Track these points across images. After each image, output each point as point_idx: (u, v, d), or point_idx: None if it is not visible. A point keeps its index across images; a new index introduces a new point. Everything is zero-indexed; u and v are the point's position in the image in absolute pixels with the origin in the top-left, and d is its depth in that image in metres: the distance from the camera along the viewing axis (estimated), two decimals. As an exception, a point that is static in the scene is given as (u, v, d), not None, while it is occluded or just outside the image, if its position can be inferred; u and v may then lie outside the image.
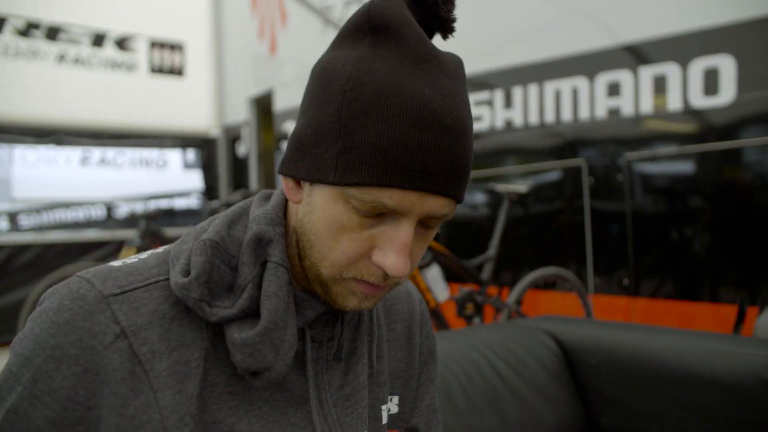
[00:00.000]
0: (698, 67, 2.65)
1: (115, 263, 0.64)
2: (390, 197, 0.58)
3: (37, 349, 0.57)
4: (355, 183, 0.58)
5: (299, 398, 0.67)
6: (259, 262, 0.63)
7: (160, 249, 0.68)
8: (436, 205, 0.60)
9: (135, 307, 0.59)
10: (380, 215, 0.60)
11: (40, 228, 5.36)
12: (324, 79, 0.62)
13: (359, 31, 0.62)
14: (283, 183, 0.66)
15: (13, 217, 5.26)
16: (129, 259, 0.66)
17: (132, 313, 0.59)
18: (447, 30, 0.69)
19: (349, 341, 0.73)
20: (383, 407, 0.77)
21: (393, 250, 0.60)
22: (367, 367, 0.74)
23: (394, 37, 0.60)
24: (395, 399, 0.80)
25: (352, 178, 0.58)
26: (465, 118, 0.61)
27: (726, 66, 2.56)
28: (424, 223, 0.63)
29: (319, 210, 0.62)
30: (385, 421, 0.77)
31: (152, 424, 0.57)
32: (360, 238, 0.61)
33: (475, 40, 3.66)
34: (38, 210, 5.39)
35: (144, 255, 0.67)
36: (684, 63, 2.70)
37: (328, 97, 0.60)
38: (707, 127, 2.67)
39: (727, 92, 2.56)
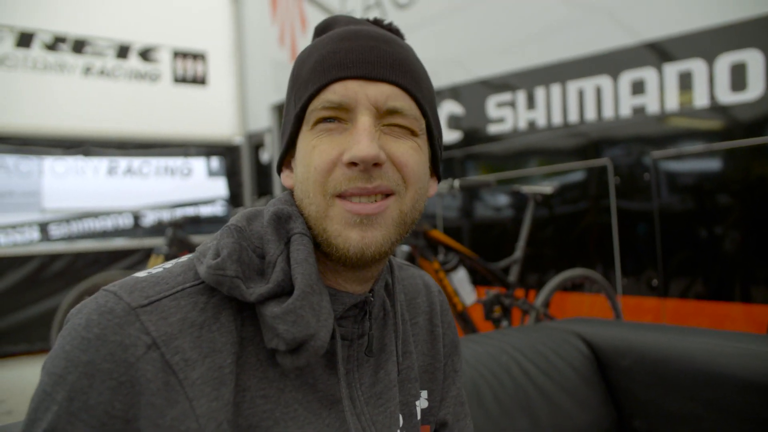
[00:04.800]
0: (725, 62, 2.61)
1: (140, 274, 0.64)
2: (333, 92, 0.64)
3: (69, 366, 0.57)
4: (308, 97, 0.66)
5: (331, 398, 0.67)
6: (283, 239, 0.65)
7: (184, 258, 0.68)
8: (382, 92, 0.65)
9: (164, 316, 0.59)
10: (339, 122, 0.65)
11: (69, 237, 5.45)
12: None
13: (313, 40, 0.74)
14: (282, 180, 0.73)
15: (43, 227, 5.37)
16: (154, 269, 0.66)
17: (161, 323, 0.59)
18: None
19: (377, 338, 0.74)
20: (417, 403, 0.77)
21: (355, 139, 0.63)
22: (396, 364, 0.74)
23: (331, 28, 0.72)
24: (424, 393, 0.81)
25: (304, 96, 0.66)
26: (393, 37, 0.70)
27: (754, 60, 2.52)
28: (391, 125, 0.66)
29: (299, 158, 0.68)
30: (419, 417, 0.77)
31: None
32: (328, 148, 0.64)
33: (495, 40, 3.65)
34: (68, 220, 5.49)
35: (168, 264, 0.67)
36: (710, 59, 2.66)
37: (288, 85, 0.73)
38: (735, 124, 2.62)
39: (756, 87, 2.52)
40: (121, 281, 0.63)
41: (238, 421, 0.60)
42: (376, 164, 0.63)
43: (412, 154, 0.66)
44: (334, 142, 0.64)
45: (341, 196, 0.64)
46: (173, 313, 0.60)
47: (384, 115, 0.65)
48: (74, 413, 0.56)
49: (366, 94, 0.64)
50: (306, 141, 0.66)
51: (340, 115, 0.64)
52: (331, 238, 0.64)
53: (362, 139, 0.62)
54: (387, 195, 0.65)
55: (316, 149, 0.64)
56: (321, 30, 0.74)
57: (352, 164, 0.63)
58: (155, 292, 0.61)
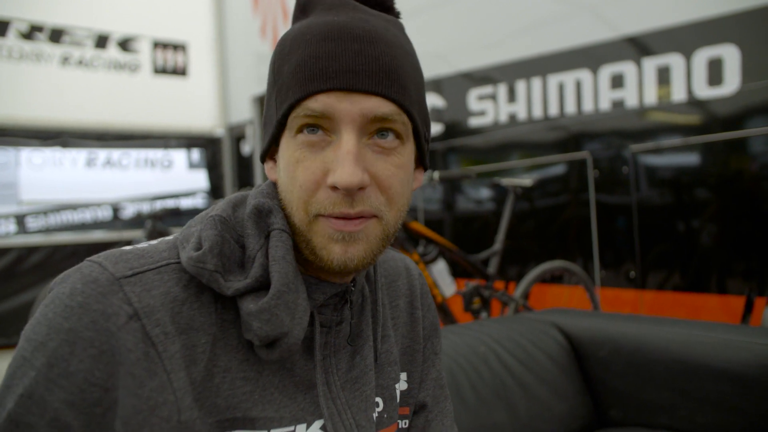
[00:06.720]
0: (702, 57, 2.64)
1: (126, 247, 0.65)
2: (316, 101, 0.62)
3: (50, 333, 0.57)
4: (289, 106, 0.63)
5: (307, 383, 0.68)
6: (263, 233, 0.65)
7: (170, 237, 0.69)
8: (368, 104, 0.62)
9: (147, 288, 0.59)
10: (323, 131, 0.63)
11: (47, 230, 5.38)
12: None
13: (293, 18, 0.72)
14: (266, 171, 0.72)
15: (20, 219, 5.29)
16: (139, 244, 0.66)
17: (144, 295, 0.59)
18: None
19: (354, 324, 0.74)
20: (396, 386, 0.78)
21: (339, 161, 0.62)
22: (372, 349, 0.75)
23: (314, 9, 0.69)
24: (403, 375, 0.81)
25: (285, 103, 0.64)
26: (380, 30, 0.66)
27: (730, 56, 2.55)
28: (378, 133, 0.64)
29: (282, 164, 0.66)
30: (398, 400, 0.78)
31: (167, 405, 0.58)
32: (312, 166, 0.63)
33: (477, 33, 3.66)
34: (45, 212, 5.41)
35: (154, 241, 0.67)
36: (687, 54, 2.69)
37: (268, 75, 0.69)
38: (712, 118, 2.66)
39: (732, 82, 2.56)
40: (106, 252, 0.63)
41: (217, 402, 0.61)
42: (360, 188, 0.63)
43: (396, 173, 0.66)
44: (318, 159, 0.63)
45: (322, 215, 0.64)
46: (156, 286, 0.60)
47: (370, 122, 0.63)
48: (53, 379, 0.56)
49: (351, 106, 0.62)
50: (290, 149, 0.65)
51: (323, 124, 0.63)
52: (316, 250, 0.64)
53: (346, 164, 0.61)
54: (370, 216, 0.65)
55: (300, 165, 0.63)
56: (302, 7, 0.71)
57: (336, 187, 0.62)
58: (140, 264, 0.61)
